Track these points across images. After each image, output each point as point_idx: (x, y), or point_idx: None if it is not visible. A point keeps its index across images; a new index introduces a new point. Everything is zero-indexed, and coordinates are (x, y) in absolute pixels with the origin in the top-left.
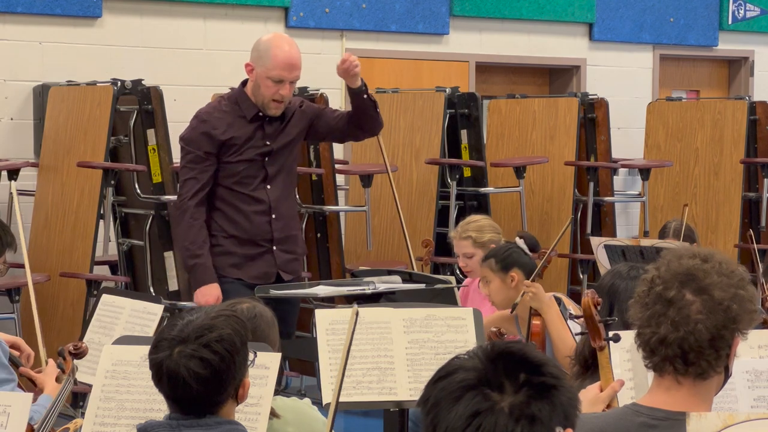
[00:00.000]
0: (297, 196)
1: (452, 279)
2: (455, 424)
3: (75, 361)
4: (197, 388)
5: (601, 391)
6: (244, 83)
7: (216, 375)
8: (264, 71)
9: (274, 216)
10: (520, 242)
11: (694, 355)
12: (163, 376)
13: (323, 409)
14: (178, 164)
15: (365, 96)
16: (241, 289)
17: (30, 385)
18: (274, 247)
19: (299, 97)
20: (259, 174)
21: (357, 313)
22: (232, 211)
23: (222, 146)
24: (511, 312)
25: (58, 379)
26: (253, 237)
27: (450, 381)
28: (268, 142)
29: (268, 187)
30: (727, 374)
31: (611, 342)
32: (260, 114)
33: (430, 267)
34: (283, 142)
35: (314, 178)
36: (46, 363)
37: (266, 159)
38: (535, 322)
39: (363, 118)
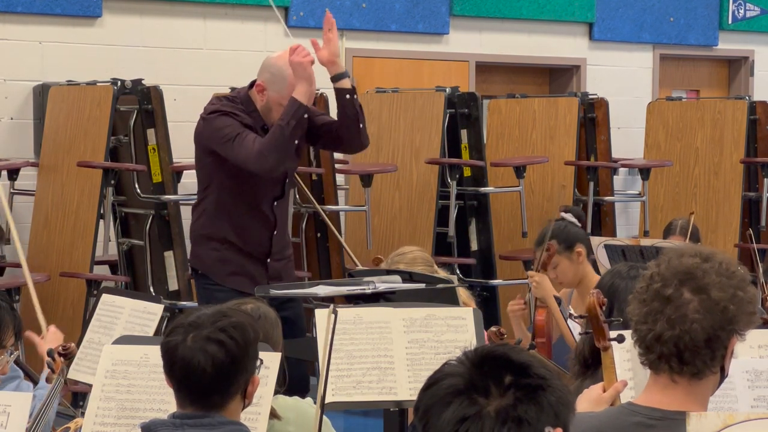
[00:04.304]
0: (297, 196)
1: (454, 278)
2: (444, 430)
3: (65, 360)
4: (212, 372)
5: (604, 391)
6: (251, 85)
7: (232, 361)
8: (278, 97)
9: (276, 232)
10: (569, 216)
11: (689, 354)
12: (177, 362)
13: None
14: (179, 164)
15: (348, 96)
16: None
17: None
18: (269, 260)
19: None
20: (273, 192)
21: (335, 313)
22: (238, 224)
23: None
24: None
25: (48, 380)
26: (251, 250)
27: (438, 387)
28: None
29: (275, 204)
30: (723, 375)
31: (615, 342)
32: (266, 127)
33: None
34: (295, 160)
35: (314, 178)
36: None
37: (287, 180)
38: (539, 317)
39: (344, 126)
